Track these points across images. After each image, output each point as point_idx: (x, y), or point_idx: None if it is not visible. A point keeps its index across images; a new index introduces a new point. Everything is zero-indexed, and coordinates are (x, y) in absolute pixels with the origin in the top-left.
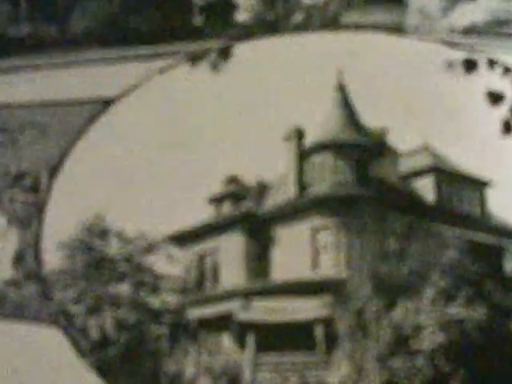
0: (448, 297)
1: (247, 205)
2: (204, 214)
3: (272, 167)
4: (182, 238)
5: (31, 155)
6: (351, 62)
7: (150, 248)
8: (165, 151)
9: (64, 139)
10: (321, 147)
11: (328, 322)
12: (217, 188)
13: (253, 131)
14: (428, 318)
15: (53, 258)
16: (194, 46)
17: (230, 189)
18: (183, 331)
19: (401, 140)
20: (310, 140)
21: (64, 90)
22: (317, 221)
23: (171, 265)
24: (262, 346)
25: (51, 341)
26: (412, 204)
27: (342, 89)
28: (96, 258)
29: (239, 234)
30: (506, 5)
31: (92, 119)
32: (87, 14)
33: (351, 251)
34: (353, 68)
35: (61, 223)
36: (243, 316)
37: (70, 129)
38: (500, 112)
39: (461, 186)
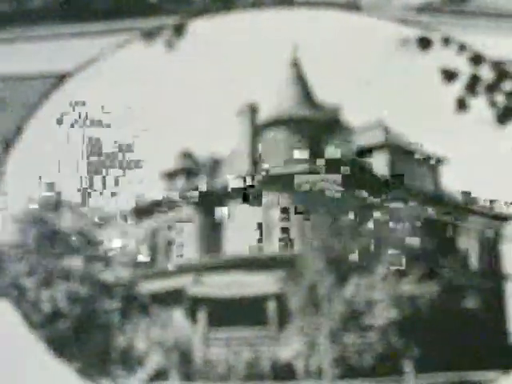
0: (400, 273)
1: (200, 180)
2: (157, 189)
3: (225, 142)
4: (135, 213)
5: None
6: (306, 38)
7: (103, 222)
8: (117, 126)
9: (20, 113)
10: (274, 122)
11: (280, 298)
12: (170, 163)
13: (207, 106)
14: (380, 294)
15: (6, 231)
16: (149, 23)
17: (184, 164)
18: (135, 305)
19: (355, 116)
20: (263, 115)
21: (21, 64)
22: (269, 197)
23: (124, 239)
24: (214, 321)
25: (3, 313)
26: (365, 180)
27: (296, 65)
28: (49, 231)
29: (192, 209)
30: None
31: (48, 93)
32: None
33: (304, 227)
34: (307, 44)
35: (14, 196)
36: (195, 290)
37: (27, 102)
38: (454, 89)
39: (414, 162)
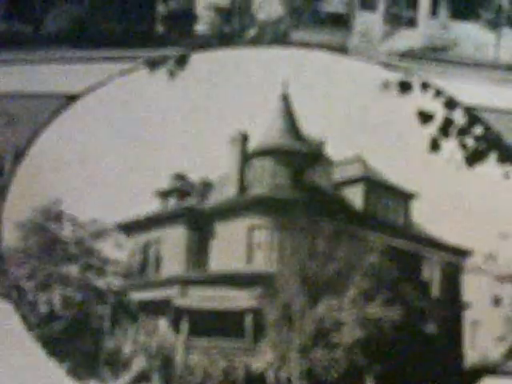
0: (368, 297)
1: (191, 200)
2: (151, 206)
3: (216, 168)
4: (130, 227)
5: None
6: (296, 75)
7: (100, 234)
8: (119, 146)
9: (31, 129)
10: (262, 152)
11: (257, 313)
12: (164, 183)
13: (202, 133)
14: (348, 315)
15: (11, 237)
16: (154, 53)
17: (177, 185)
18: (124, 312)
19: (336, 151)
20: (253, 145)
21: (34, 84)
22: (253, 219)
23: (118, 251)
24: (195, 331)
25: (3, 313)
26: (341, 210)
27: (285, 99)
28: (49, 239)
29: (182, 226)
30: (442, 33)
31: (57, 112)
32: (60, 16)
33: (283, 249)
34: (298, 81)
35: (20, 205)
36: (180, 302)
37: (37, 120)
38: (429, 131)
39: (387, 196)
